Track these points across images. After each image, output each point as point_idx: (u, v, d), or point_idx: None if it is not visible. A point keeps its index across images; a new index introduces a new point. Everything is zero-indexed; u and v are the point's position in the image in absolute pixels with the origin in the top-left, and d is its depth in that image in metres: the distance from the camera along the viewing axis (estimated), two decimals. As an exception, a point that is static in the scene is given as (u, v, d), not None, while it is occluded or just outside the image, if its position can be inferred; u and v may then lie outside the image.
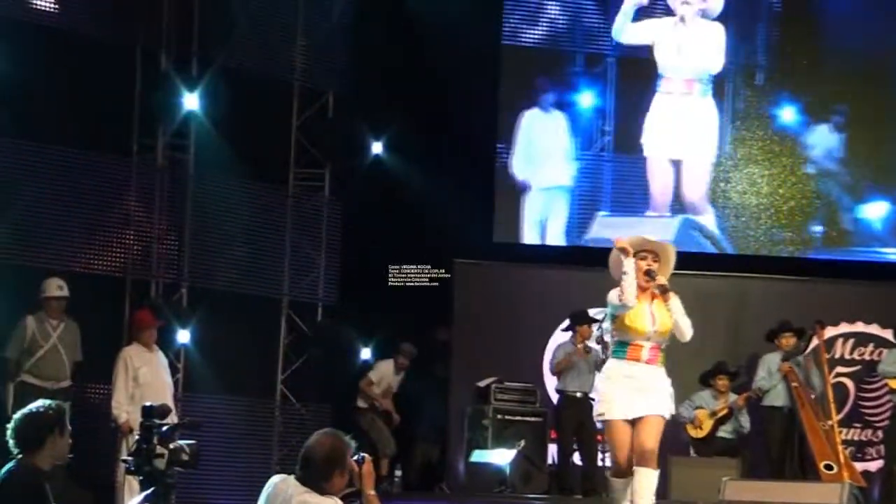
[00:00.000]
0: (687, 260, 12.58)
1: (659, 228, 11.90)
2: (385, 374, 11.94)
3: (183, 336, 10.90)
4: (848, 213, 12.71)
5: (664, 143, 12.72)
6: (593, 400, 11.05)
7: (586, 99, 12.73)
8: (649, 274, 6.97)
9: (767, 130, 12.78)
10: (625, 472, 7.00)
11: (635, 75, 12.74)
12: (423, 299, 11.96)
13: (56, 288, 9.55)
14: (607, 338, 11.16)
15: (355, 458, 4.77)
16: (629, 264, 6.94)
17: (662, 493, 10.61)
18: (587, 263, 12.41)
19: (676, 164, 12.75)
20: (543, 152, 12.74)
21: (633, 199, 12.78)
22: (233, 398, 11.10)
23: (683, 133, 12.72)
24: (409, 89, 11.83)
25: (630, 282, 6.90)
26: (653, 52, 12.66)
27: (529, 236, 12.71)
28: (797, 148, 12.79)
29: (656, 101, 12.65)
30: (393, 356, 11.96)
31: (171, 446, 7.37)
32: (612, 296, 7.00)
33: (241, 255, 11.35)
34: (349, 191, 12.09)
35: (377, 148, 12.31)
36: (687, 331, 7.05)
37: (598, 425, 7.29)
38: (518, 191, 12.67)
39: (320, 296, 11.94)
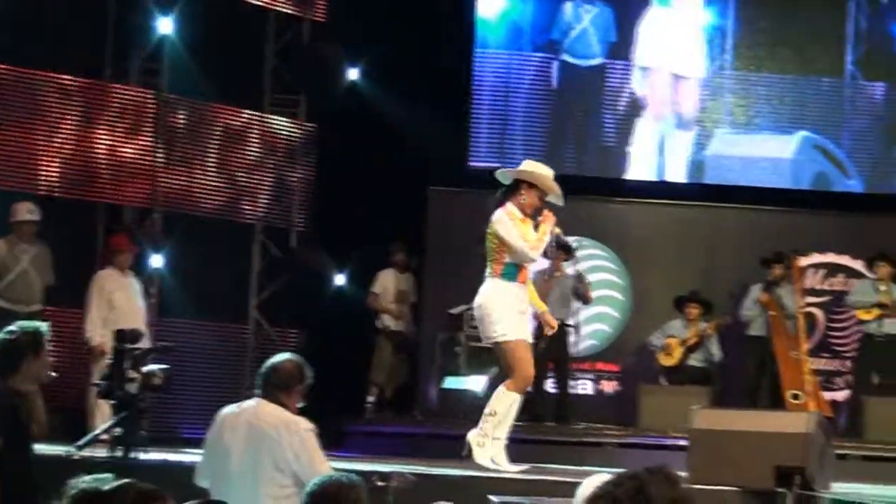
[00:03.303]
0: (662, 190, 12.71)
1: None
2: (386, 281, 11.88)
3: (156, 261, 10.88)
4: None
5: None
6: (569, 327, 11.21)
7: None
8: (566, 249, 7.35)
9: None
10: None
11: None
12: (397, 225, 11.94)
13: (26, 212, 9.51)
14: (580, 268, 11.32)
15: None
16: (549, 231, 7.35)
17: (632, 421, 10.76)
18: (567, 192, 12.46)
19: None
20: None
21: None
22: (206, 323, 11.12)
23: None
24: (385, 15, 11.72)
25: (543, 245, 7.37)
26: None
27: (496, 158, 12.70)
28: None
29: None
30: (388, 262, 11.95)
31: (144, 371, 7.45)
32: (524, 246, 7.22)
33: (214, 181, 11.30)
34: (324, 116, 12.03)
35: (353, 74, 12.22)
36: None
37: (492, 340, 7.36)
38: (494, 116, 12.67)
39: (294, 221, 11.93)
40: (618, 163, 12.78)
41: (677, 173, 12.77)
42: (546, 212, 7.43)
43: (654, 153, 12.74)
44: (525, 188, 7.37)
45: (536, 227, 7.38)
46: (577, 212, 12.56)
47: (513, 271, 7.31)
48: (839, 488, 7.02)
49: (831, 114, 12.62)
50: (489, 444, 7.29)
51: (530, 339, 7.47)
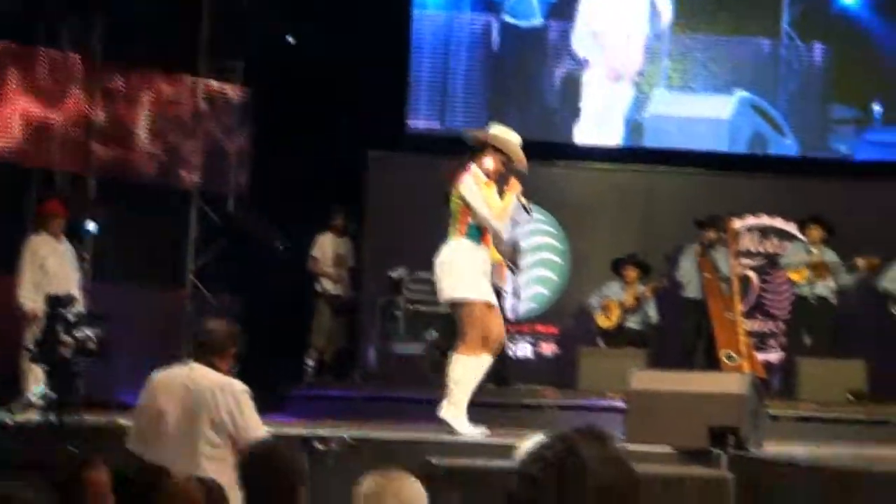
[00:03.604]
0: (601, 154, 12.77)
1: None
2: (325, 245, 11.88)
3: (91, 226, 10.76)
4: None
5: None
6: (505, 291, 11.23)
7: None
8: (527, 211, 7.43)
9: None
10: None
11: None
12: (336, 189, 11.90)
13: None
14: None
15: None
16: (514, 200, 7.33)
17: (571, 383, 10.83)
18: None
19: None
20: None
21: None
22: (142, 289, 11.03)
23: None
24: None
25: (508, 214, 7.37)
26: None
27: (436, 122, 12.70)
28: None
29: None
30: (327, 226, 11.92)
31: (77, 335, 7.38)
32: (488, 214, 7.19)
33: (150, 146, 11.17)
34: (261, 80, 11.92)
35: (290, 37, 12.11)
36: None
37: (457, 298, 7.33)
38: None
39: (231, 185, 11.83)
40: (558, 126, 12.80)
41: (616, 136, 12.82)
42: (512, 179, 7.40)
43: (593, 116, 12.78)
44: (491, 152, 7.34)
45: (500, 192, 7.36)
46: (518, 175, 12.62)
47: (476, 233, 7.27)
48: (772, 448, 7.12)
49: (768, 75, 12.72)
50: (455, 410, 7.26)
51: (493, 301, 7.39)
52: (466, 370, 7.27)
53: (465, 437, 7.10)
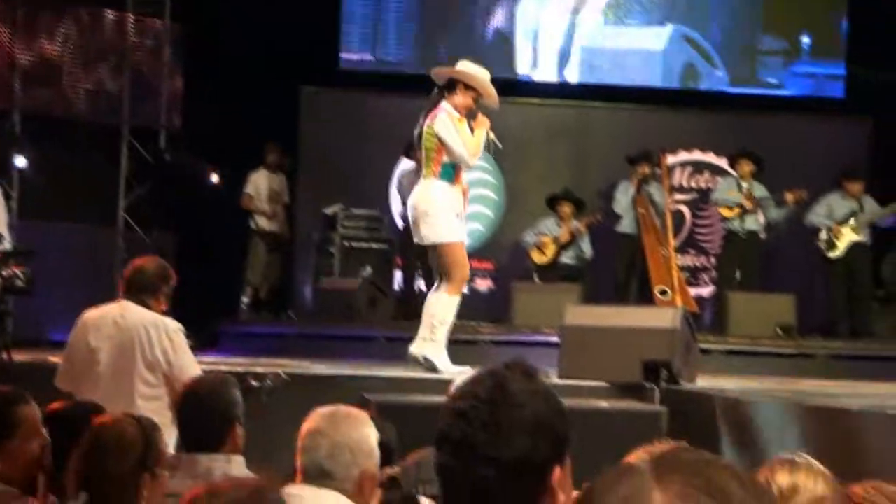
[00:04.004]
0: (535, 88, 12.75)
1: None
2: (258, 182, 11.82)
3: (19, 161, 10.58)
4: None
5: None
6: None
7: None
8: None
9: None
10: None
11: None
12: (270, 125, 11.78)
13: None
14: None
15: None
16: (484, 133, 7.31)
17: (506, 318, 10.89)
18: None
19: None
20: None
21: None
22: (73, 226, 10.88)
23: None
24: None
25: (480, 150, 7.34)
26: None
27: (369, 58, 12.60)
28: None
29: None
30: (260, 162, 11.83)
31: (4, 273, 7.28)
32: (464, 152, 7.20)
33: (79, 82, 10.97)
34: (192, 15, 11.72)
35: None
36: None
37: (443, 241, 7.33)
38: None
39: (163, 121, 11.68)
40: (491, 60, 12.65)
41: (550, 71, 12.80)
42: (480, 115, 7.40)
43: (527, 49, 12.74)
44: (461, 89, 7.31)
45: (470, 129, 7.34)
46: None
47: (451, 172, 7.28)
48: (703, 382, 7.22)
49: (700, 6, 12.74)
50: (436, 348, 7.28)
51: (466, 241, 7.46)
52: (448, 309, 7.33)
53: (446, 374, 7.10)
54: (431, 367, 7.23)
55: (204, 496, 1.49)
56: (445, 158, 7.24)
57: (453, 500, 2.02)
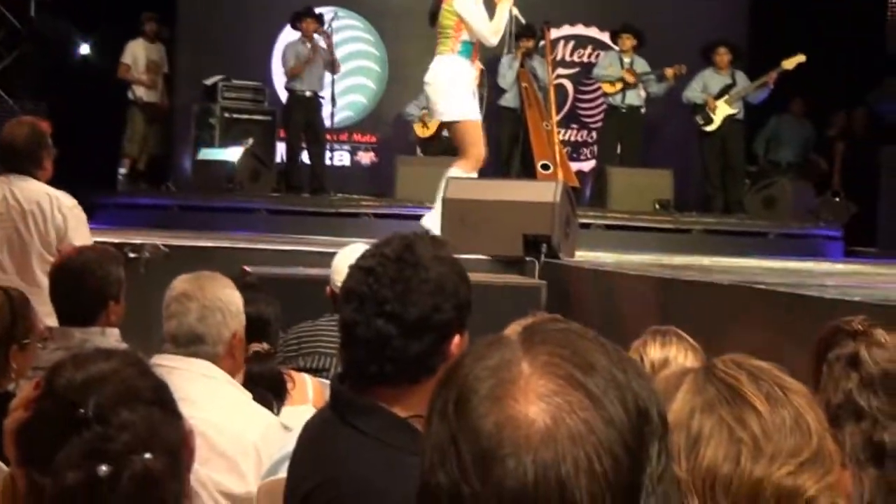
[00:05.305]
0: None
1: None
2: (136, 52, 11.54)
3: None
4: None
5: None
6: (322, 98, 11.14)
7: None
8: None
9: None
10: None
11: None
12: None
13: None
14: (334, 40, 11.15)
15: None
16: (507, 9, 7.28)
17: (389, 192, 10.88)
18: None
19: None
20: None
21: None
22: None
23: None
24: None
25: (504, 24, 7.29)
26: None
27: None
28: None
29: None
30: (138, 31, 11.53)
31: None
32: (487, 29, 7.16)
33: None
34: None
35: None
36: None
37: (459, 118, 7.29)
38: None
39: (34, -14, 11.27)
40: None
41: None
42: None
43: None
44: None
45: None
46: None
47: (469, 49, 7.24)
48: (582, 256, 7.34)
49: None
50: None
51: (480, 118, 7.40)
52: None
53: None
54: None
55: (69, 363, 1.47)
56: (465, 36, 7.20)
57: (353, 356, 2.06)
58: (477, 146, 7.34)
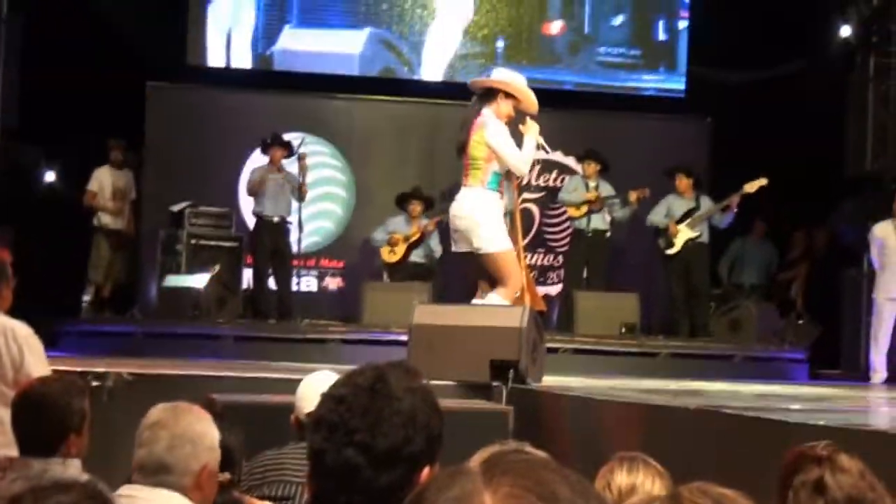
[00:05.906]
0: (384, 86, 12.74)
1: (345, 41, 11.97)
2: (102, 179, 11.59)
3: None
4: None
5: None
6: (289, 224, 11.18)
7: None
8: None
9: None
10: None
11: None
12: (114, 121, 11.53)
13: None
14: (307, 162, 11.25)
15: None
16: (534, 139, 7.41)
17: (356, 317, 10.87)
18: (282, 86, 12.31)
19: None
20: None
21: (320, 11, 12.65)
22: None
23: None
24: None
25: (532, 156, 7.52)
26: None
27: (215, 53, 12.42)
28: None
29: None
30: (105, 158, 11.60)
31: None
32: (520, 160, 7.30)
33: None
34: (31, 8, 11.38)
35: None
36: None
37: (493, 250, 7.35)
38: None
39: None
40: (338, 59, 12.71)
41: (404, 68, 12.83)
42: (529, 121, 7.45)
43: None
44: (502, 97, 7.33)
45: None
46: (298, 108, 12.50)
47: (497, 180, 7.33)
48: (550, 381, 7.32)
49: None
50: None
51: (511, 246, 7.47)
52: None
53: None
54: None
55: (28, 496, 1.44)
56: (496, 167, 7.27)
57: (322, 486, 2.04)
58: (515, 275, 7.43)
